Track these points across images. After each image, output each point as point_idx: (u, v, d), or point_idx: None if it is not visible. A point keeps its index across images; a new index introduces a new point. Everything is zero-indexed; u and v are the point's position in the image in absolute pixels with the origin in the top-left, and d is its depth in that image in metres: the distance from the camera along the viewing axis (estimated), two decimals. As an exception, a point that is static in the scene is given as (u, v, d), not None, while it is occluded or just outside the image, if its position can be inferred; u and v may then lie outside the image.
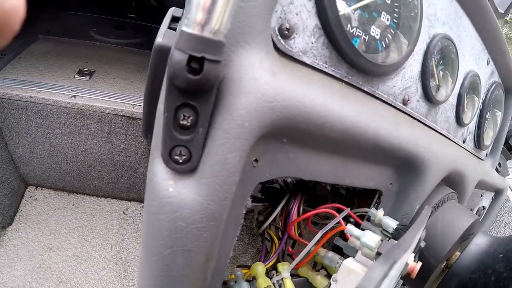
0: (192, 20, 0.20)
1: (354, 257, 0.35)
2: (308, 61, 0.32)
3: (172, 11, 0.46)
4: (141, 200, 1.18)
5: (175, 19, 0.46)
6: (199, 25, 0.20)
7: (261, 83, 0.24)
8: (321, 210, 0.41)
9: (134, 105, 0.98)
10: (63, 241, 1.03)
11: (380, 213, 0.40)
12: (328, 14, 0.31)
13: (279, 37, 0.29)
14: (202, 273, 0.28)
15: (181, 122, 0.23)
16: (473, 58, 0.58)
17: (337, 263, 0.41)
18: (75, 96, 0.95)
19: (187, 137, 0.24)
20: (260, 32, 0.26)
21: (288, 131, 0.29)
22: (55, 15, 1.19)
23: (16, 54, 1.05)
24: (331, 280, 0.34)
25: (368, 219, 0.43)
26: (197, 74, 0.20)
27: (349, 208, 0.42)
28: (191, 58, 0.20)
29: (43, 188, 1.10)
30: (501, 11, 0.70)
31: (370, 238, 0.34)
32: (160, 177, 0.26)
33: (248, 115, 0.24)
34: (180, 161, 0.24)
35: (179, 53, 0.20)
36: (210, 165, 0.24)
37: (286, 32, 0.30)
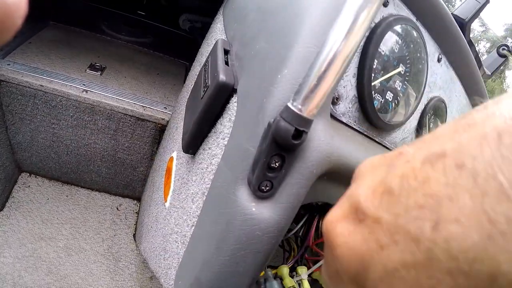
0: (299, 102, 0.32)
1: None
2: (344, 121, 0.46)
3: (222, 44, 0.58)
4: (135, 198, 1.26)
5: (226, 52, 0.58)
6: (303, 106, 0.32)
7: (325, 143, 0.37)
8: None
9: (144, 107, 1.07)
10: (54, 231, 1.09)
11: None
12: (365, 87, 0.45)
13: (331, 105, 0.43)
14: (261, 269, 0.41)
15: (272, 165, 0.36)
16: (459, 113, 0.75)
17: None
18: (86, 91, 1.02)
19: (273, 175, 0.36)
20: (327, 105, 0.39)
21: (331, 173, 0.42)
22: (66, 2, 1.24)
23: (26, 39, 1.09)
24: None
25: None
26: (297, 140, 0.33)
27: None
28: (295, 130, 0.32)
29: (37, 176, 1.15)
30: (488, 73, 0.89)
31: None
32: (245, 199, 0.38)
33: (316, 165, 0.37)
34: (265, 190, 0.37)
35: (286, 124, 0.33)
36: (286, 195, 0.37)
37: (335, 100, 0.43)
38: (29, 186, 1.13)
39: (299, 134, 0.33)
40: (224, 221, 0.40)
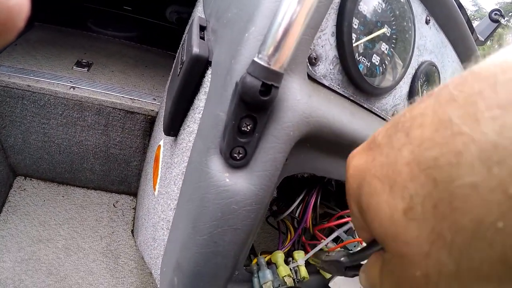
0: (265, 54, 0.29)
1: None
2: (326, 83, 0.42)
3: (198, 21, 0.55)
4: (131, 193, 1.23)
5: (202, 28, 0.54)
6: (270, 59, 0.29)
7: (302, 103, 0.33)
8: (337, 222, 0.51)
9: (133, 99, 1.04)
10: (52, 232, 1.07)
11: None
12: (345, 47, 0.41)
13: (308, 64, 0.39)
14: (243, 249, 0.37)
15: (243, 129, 0.32)
16: (452, 80, 0.71)
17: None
18: (74, 88, 0.99)
19: (245, 140, 0.32)
20: (301, 62, 0.35)
21: (313, 138, 0.38)
22: (51, 2, 1.21)
23: (12, 41, 1.07)
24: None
25: None
26: (265, 96, 0.29)
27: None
28: (263, 84, 0.29)
29: (32, 179, 1.13)
30: (482, 39, 0.84)
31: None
32: (217, 170, 0.34)
33: (293, 126, 0.33)
34: (238, 158, 0.33)
35: (252, 78, 0.29)
36: (262, 161, 0.33)
37: (314, 60, 0.39)
38: (24, 189, 1.11)
39: (267, 89, 0.29)
40: (198, 196, 0.36)
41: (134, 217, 1.17)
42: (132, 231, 1.15)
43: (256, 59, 0.29)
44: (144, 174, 0.98)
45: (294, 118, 0.33)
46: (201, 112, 0.43)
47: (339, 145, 0.42)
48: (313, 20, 0.34)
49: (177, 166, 0.51)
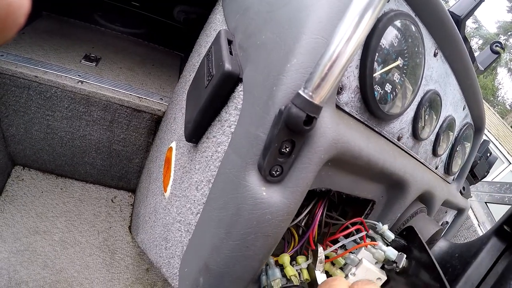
0: (310, 89, 0.34)
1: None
2: (347, 110, 0.48)
3: (225, 34, 0.60)
4: (129, 189, 1.26)
5: (229, 42, 0.59)
6: (314, 93, 0.34)
7: (332, 130, 0.39)
8: (345, 232, 0.58)
9: (141, 98, 1.07)
10: (49, 224, 1.09)
11: (385, 227, 0.58)
12: (367, 78, 0.47)
13: (335, 93, 0.45)
14: (269, 253, 0.43)
15: (282, 150, 0.37)
16: (453, 106, 0.78)
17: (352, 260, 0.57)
18: (82, 82, 1.02)
19: (283, 160, 0.38)
20: (332, 94, 0.41)
21: (336, 160, 0.44)
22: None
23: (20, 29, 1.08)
24: (349, 274, 0.51)
25: (372, 228, 0.61)
26: (308, 125, 0.35)
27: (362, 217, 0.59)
28: (307, 116, 0.34)
29: (31, 169, 1.14)
30: (481, 68, 0.93)
31: (392, 253, 0.52)
32: (255, 184, 0.39)
33: (324, 150, 0.39)
34: (275, 175, 0.38)
35: (297, 110, 0.34)
36: (295, 179, 0.39)
37: (339, 90, 0.45)
38: (22, 179, 1.12)
39: (310, 120, 0.35)
40: (234, 206, 0.41)
41: (132, 214, 1.21)
42: (129, 228, 1.18)
43: (301, 92, 0.35)
44: (147, 172, 1.02)
45: (325, 143, 0.39)
46: (231, 126, 0.48)
47: (355, 165, 0.48)
48: (351, 60, 0.40)
49: (201, 173, 0.56)
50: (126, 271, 1.11)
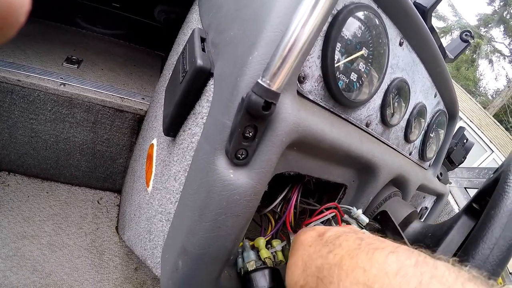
0: (268, 78, 0.38)
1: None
2: (311, 98, 0.52)
3: (198, 32, 0.64)
4: (115, 190, 1.29)
5: (202, 39, 0.63)
6: (271, 81, 0.39)
7: (292, 115, 0.44)
8: (320, 216, 0.62)
9: (123, 98, 1.10)
10: (37, 228, 1.11)
11: (359, 211, 0.62)
12: (328, 68, 0.52)
13: (297, 82, 0.49)
14: (241, 233, 0.47)
15: (246, 135, 0.42)
16: (423, 93, 0.83)
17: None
18: (64, 84, 1.05)
19: (247, 144, 0.42)
20: (293, 82, 0.45)
21: (299, 143, 0.48)
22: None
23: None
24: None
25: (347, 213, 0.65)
26: (266, 110, 0.39)
27: (336, 203, 0.63)
28: (265, 102, 0.38)
29: (16, 174, 1.17)
30: (451, 57, 0.98)
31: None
32: (223, 167, 0.44)
33: (285, 134, 0.43)
34: (241, 158, 0.43)
35: (257, 97, 0.39)
36: (260, 161, 0.43)
37: (302, 79, 0.50)
38: (8, 184, 1.15)
39: (268, 105, 0.39)
40: (205, 189, 0.45)
41: (118, 214, 1.24)
42: (117, 228, 1.21)
43: (260, 81, 0.39)
44: (131, 172, 1.05)
45: (286, 127, 0.43)
46: (204, 118, 0.52)
47: (320, 149, 0.53)
48: (307, 50, 0.45)
49: (178, 164, 0.60)
50: (115, 271, 1.14)
